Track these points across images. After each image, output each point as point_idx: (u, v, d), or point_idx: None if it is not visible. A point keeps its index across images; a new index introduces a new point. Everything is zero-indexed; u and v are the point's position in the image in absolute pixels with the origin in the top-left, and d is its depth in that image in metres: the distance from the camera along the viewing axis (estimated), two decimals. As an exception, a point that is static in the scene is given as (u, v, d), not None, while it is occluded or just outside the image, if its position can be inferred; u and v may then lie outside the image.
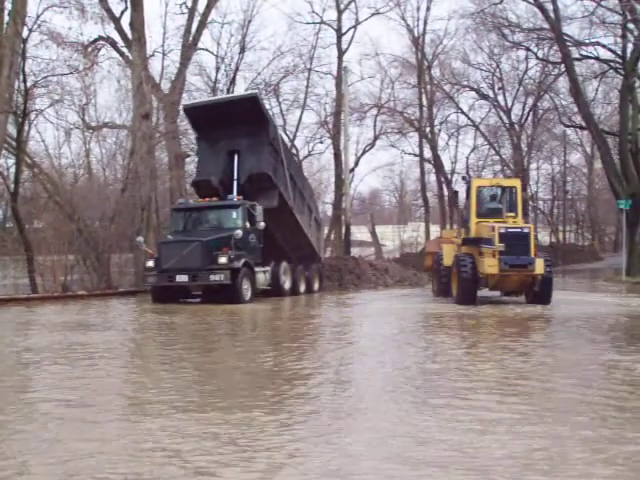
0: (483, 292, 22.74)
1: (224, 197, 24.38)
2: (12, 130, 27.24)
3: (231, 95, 34.64)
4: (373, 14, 48.33)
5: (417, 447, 6.62)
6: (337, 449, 6.57)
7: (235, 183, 24.64)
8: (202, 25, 34.78)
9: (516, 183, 24.17)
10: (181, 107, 30.71)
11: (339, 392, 9.23)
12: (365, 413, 7.94)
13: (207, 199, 24.65)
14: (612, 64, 42.05)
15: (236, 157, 24.83)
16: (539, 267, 21.09)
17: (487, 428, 7.15)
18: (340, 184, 44.92)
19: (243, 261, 22.83)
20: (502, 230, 21.15)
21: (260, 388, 9.31)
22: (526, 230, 21.58)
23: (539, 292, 21.56)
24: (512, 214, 22.52)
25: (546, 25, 41.07)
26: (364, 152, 52.46)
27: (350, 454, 6.46)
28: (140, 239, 25.25)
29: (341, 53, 46.45)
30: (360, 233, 61.21)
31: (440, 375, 10.10)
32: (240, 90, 39.07)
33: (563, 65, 42.14)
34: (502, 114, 55.85)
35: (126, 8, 30.93)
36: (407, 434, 7.01)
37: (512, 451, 6.44)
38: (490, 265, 21.09)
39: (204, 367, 11.33)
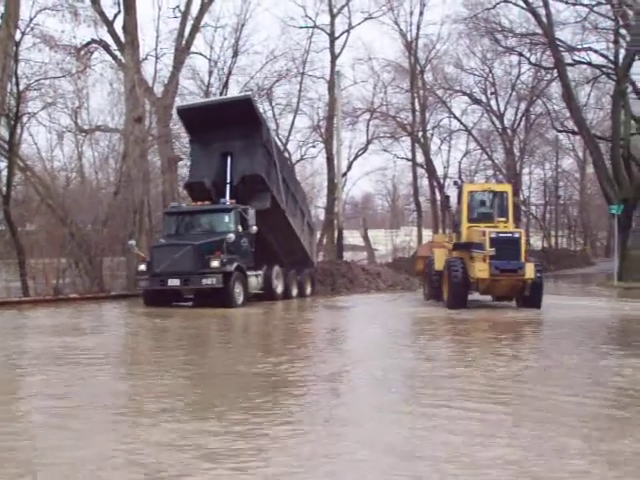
0: (474, 296, 22.80)
1: (217, 201, 24.38)
2: (4, 133, 27.20)
3: (225, 97, 34.67)
4: (366, 19, 48.31)
5: (411, 457, 6.66)
6: (328, 456, 6.61)
7: (228, 187, 24.64)
8: (195, 29, 34.77)
9: (507, 188, 24.29)
10: (174, 110, 30.74)
11: (330, 398, 9.25)
12: (356, 421, 7.94)
13: (200, 203, 24.66)
14: (604, 69, 42.19)
15: (229, 159, 24.82)
16: (529, 272, 21.18)
17: (481, 434, 7.19)
18: (333, 188, 44.93)
19: (235, 265, 22.80)
20: (493, 235, 21.24)
21: (251, 394, 9.31)
22: (517, 235, 21.67)
23: (529, 296, 21.66)
24: (503, 219, 22.67)
25: (539, 30, 41.23)
26: (357, 156, 52.51)
27: (340, 464, 6.49)
28: (132, 243, 25.24)
29: (334, 57, 46.40)
30: (352, 237, 61.21)
31: (432, 381, 10.11)
32: (233, 94, 39.03)
33: (556, 70, 42.28)
34: (495, 119, 55.90)
35: (119, 11, 30.87)
36: (399, 443, 7.06)
37: (506, 457, 6.47)
38: (481, 269, 21.17)
39: (195, 373, 11.33)
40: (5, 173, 27.80)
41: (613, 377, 10.36)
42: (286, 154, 43.30)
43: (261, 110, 33.66)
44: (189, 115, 26.17)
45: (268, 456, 6.56)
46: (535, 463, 6.30)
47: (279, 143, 38.37)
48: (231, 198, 24.21)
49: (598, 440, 6.99)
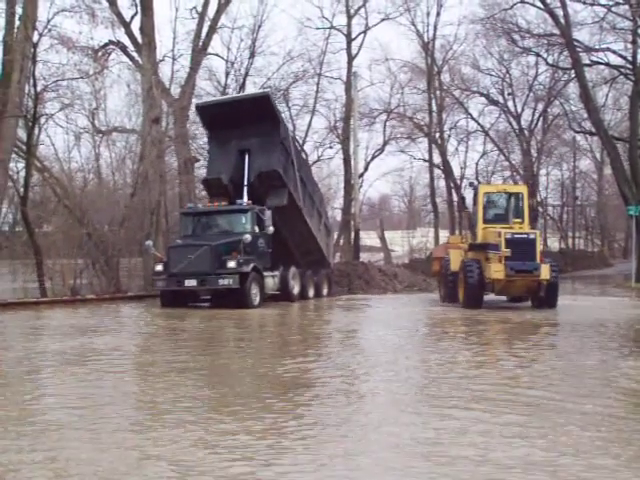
0: (489, 297, 22.79)
1: (234, 200, 24.44)
2: (22, 134, 27.30)
3: (243, 94, 34.75)
4: (383, 19, 48.41)
5: (423, 459, 6.67)
6: (342, 457, 6.64)
7: (245, 188, 24.67)
8: (212, 30, 34.91)
9: (523, 189, 24.32)
10: (191, 111, 30.84)
11: (349, 399, 9.25)
12: (375, 421, 7.96)
13: (216, 203, 24.71)
14: (622, 70, 42.04)
15: (247, 157, 24.84)
16: (545, 272, 21.21)
17: (495, 438, 7.20)
18: (349, 189, 44.98)
19: (252, 266, 22.84)
20: (508, 236, 21.29)
21: (270, 395, 9.34)
22: (532, 236, 21.69)
23: (545, 297, 21.72)
24: (519, 220, 22.67)
25: (556, 31, 41.10)
26: (373, 157, 52.47)
27: (359, 463, 6.52)
28: (149, 243, 25.32)
29: (351, 58, 46.49)
30: (369, 238, 61.19)
31: (450, 383, 10.08)
32: (250, 94, 39.15)
33: (573, 71, 42.12)
34: (512, 120, 55.70)
35: (136, 13, 31.09)
36: (414, 445, 7.06)
37: (521, 460, 6.48)
38: (496, 270, 21.20)
39: (212, 374, 11.37)
40: (23, 174, 27.91)
41: (630, 380, 10.31)
42: (303, 155, 43.36)
43: (278, 109, 33.74)
44: (208, 112, 26.25)
45: (290, 455, 6.61)
46: (557, 463, 6.32)
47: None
48: (248, 198, 24.26)
49: (618, 449, 6.92)
